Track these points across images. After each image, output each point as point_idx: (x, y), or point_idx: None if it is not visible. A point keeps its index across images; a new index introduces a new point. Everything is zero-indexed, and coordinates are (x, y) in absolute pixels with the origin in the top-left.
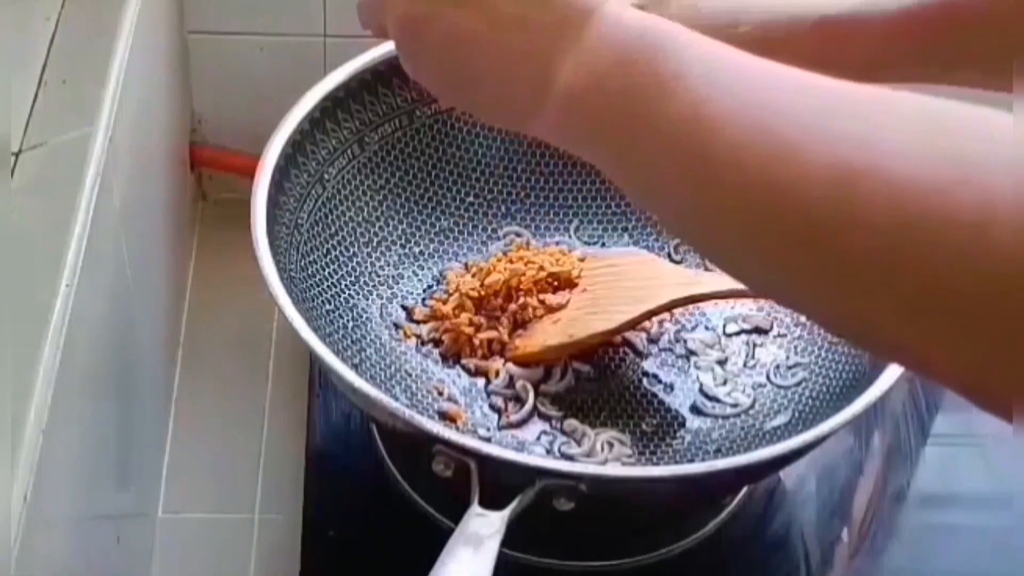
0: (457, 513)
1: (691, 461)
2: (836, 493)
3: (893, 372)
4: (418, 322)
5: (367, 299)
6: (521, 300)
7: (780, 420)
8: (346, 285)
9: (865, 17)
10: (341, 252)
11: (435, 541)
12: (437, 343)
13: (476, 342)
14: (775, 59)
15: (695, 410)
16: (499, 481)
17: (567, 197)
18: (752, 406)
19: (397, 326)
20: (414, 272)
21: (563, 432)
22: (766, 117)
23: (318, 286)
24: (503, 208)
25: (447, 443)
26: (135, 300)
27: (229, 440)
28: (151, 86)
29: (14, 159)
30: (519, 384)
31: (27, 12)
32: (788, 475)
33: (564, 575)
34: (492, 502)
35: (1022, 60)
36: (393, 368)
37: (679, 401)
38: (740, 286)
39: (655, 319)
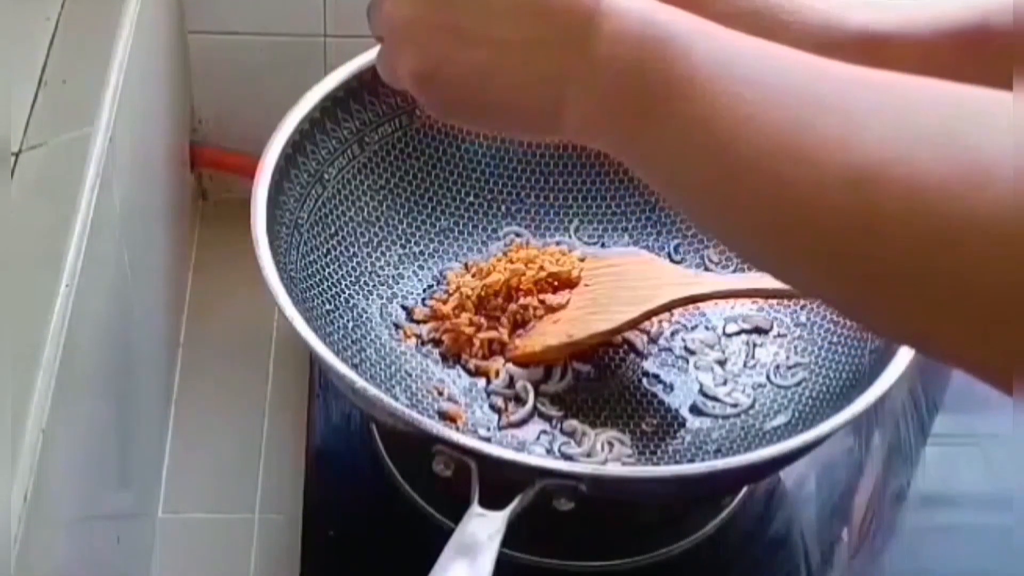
0: (457, 513)
1: (691, 461)
2: (836, 493)
3: (893, 372)
4: (418, 322)
5: (367, 299)
6: (521, 300)
7: (780, 420)
8: (346, 285)
9: (902, 36)
10: (341, 252)
11: (435, 541)
12: (437, 343)
13: (476, 342)
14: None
15: (695, 410)
16: (499, 481)
17: (567, 197)
18: (752, 406)
19: (397, 326)
20: (414, 272)
21: (563, 432)
22: (780, 118)
23: (318, 286)
24: (503, 208)
25: (447, 443)
26: (135, 300)
27: (229, 440)
28: (151, 86)
29: (14, 159)
30: (519, 384)
31: (27, 12)
32: (788, 475)
33: (564, 575)
34: (492, 502)
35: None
36: (393, 368)
37: (679, 401)
38: (740, 286)
39: (655, 319)
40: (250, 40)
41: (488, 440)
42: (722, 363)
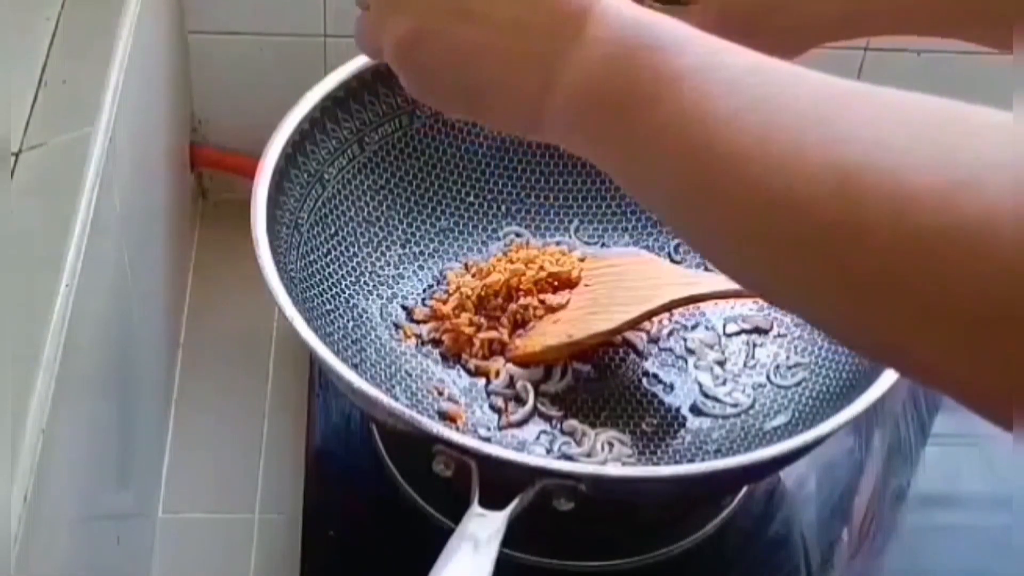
0: (457, 513)
1: (691, 461)
2: (836, 493)
3: (893, 372)
4: (418, 322)
5: (367, 299)
6: (521, 300)
7: (780, 420)
8: (346, 285)
9: None
10: (341, 252)
11: (435, 541)
12: (437, 343)
13: (476, 342)
14: None
15: (695, 410)
16: (499, 481)
17: (567, 197)
18: (752, 406)
19: (397, 326)
20: (414, 272)
21: (563, 432)
22: (765, 123)
23: (318, 286)
24: (503, 208)
25: (447, 443)
26: (135, 300)
27: (229, 440)
28: (151, 86)
29: (14, 159)
30: (519, 384)
31: (27, 12)
32: (788, 475)
33: (564, 575)
34: (492, 502)
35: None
36: (393, 368)
37: (679, 401)
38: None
39: (655, 319)
40: (250, 40)
41: (488, 440)
42: (722, 363)
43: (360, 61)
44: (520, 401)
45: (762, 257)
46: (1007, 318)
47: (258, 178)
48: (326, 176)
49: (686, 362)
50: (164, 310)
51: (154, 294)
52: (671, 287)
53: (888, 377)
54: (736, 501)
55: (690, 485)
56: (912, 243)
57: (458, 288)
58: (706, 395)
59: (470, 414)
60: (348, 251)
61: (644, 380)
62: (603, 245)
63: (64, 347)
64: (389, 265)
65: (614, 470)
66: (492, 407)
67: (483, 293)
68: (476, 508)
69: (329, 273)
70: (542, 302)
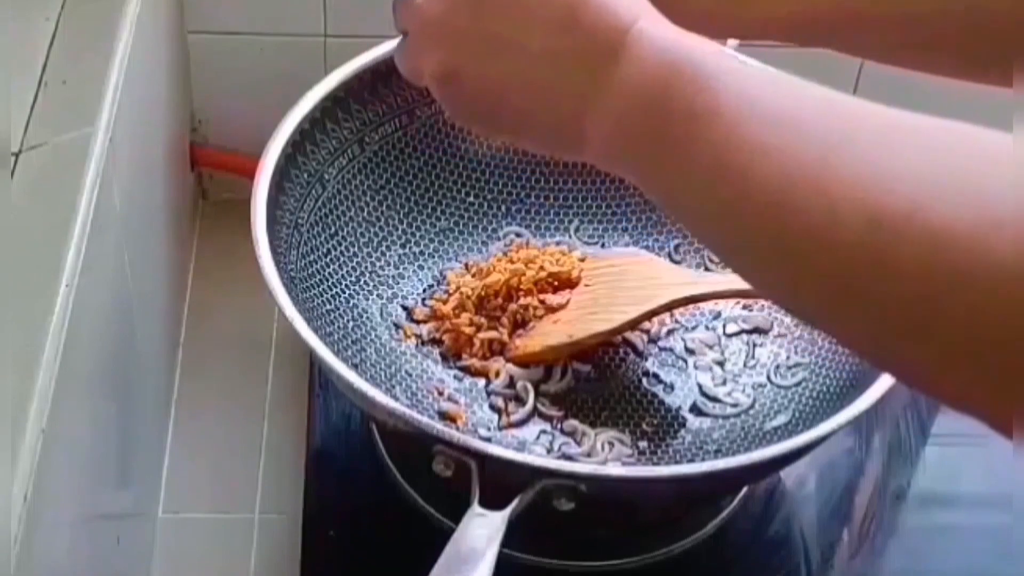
0: (457, 513)
1: (691, 461)
2: (836, 493)
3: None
4: (418, 322)
5: (367, 299)
6: (521, 300)
7: (780, 420)
8: (346, 285)
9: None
10: (341, 252)
11: (435, 541)
12: (437, 343)
13: (476, 342)
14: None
15: (695, 410)
16: (499, 481)
17: (567, 197)
18: (752, 406)
19: (397, 326)
20: (414, 272)
21: (563, 432)
22: (799, 151)
23: (318, 286)
24: (503, 208)
25: (447, 443)
26: (135, 300)
27: (229, 440)
28: (151, 86)
29: (14, 159)
30: (519, 384)
31: (27, 12)
32: (788, 475)
33: (564, 575)
34: (492, 502)
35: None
36: (393, 368)
37: (679, 401)
38: (740, 286)
39: (655, 319)
40: (250, 40)
41: (488, 440)
42: (722, 363)
43: (360, 61)
44: (520, 401)
45: (789, 282)
46: None
47: (258, 178)
48: (326, 176)
49: (686, 362)
50: (164, 310)
51: (154, 294)
52: (671, 287)
53: (888, 377)
54: (736, 501)
55: (690, 485)
56: (941, 276)
57: (458, 288)
58: (706, 395)
59: (470, 414)
60: (348, 251)
61: (644, 380)
62: (603, 245)
63: (64, 347)
64: (389, 265)
65: (614, 470)
66: (492, 407)
67: (483, 293)
68: (476, 508)
69: (329, 273)
70: (542, 302)
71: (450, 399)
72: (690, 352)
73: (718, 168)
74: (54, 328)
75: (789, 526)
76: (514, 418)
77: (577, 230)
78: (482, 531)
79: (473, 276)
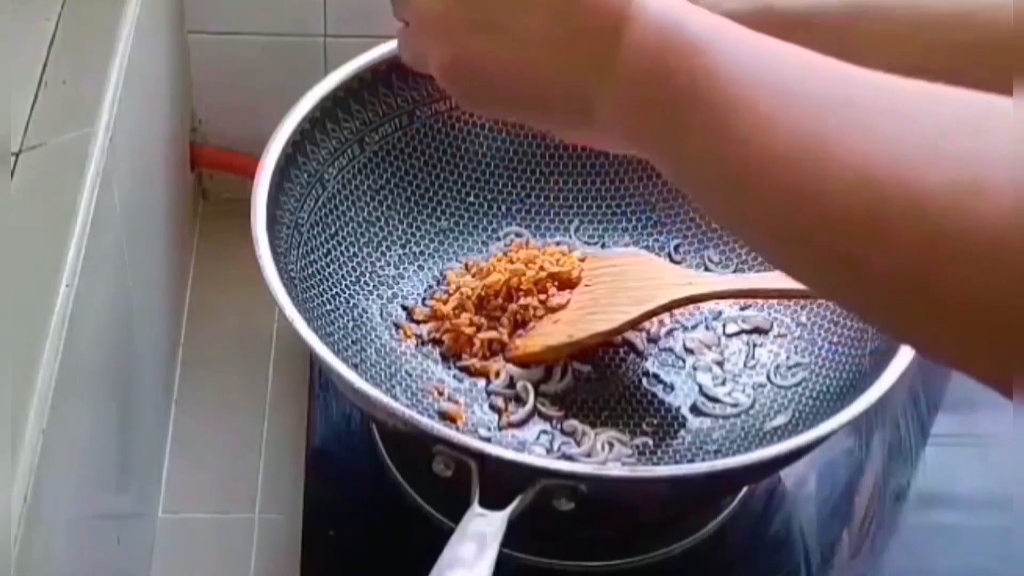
0: (457, 513)
1: (691, 461)
2: (836, 493)
3: (893, 372)
4: (418, 322)
5: (367, 299)
6: (521, 300)
7: (780, 420)
8: (346, 285)
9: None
10: (341, 252)
11: (435, 541)
12: (437, 343)
13: (476, 342)
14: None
15: (695, 410)
16: (499, 481)
17: (567, 197)
18: (752, 406)
19: (397, 326)
20: (414, 272)
21: (563, 432)
22: (797, 119)
23: (318, 286)
24: (503, 208)
25: (447, 443)
26: (135, 300)
27: (229, 440)
28: (151, 86)
29: (14, 159)
30: (519, 384)
31: (27, 12)
32: (788, 475)
33: (564, 575)
34: (492, 502)
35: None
36: (393, 368)
37: (679, 401)
38: (740, 286)
39: (655, 319)
40: (250, 40)
41: (488, 440)
42: (722, 363)
43: (360, 61)
44: (520, 401)
45: (800, 251)
46: (1015, 317)
47: (258, 178)
48: (326, 176)
49: (686, 362)
50: (164, 310)
51: (154, 294)
52: (671, 287)
53: (888, 377)
54: (736, 501)
55: (690, 485)
56: (929, 238)
57: (458, 288)
58: (706, 395)
59: (470, 414)
60: (348, 251)
61: (644, 380)
62: (603, 245)
63: (64, 347)
64: (389, 265)
65: (614, 470)
66: (492, 407)
67: (483, 293)
68: (476, 508)
69: (329, 273)
70: (542, 302)
71: (450, 399)
72: (690, 352)
73: (718, 138)
74: (54, 328)
75: (789, 526)
76: (514, 418)
77: (577, 230)
78: (482, 531)
79: (473, 276)
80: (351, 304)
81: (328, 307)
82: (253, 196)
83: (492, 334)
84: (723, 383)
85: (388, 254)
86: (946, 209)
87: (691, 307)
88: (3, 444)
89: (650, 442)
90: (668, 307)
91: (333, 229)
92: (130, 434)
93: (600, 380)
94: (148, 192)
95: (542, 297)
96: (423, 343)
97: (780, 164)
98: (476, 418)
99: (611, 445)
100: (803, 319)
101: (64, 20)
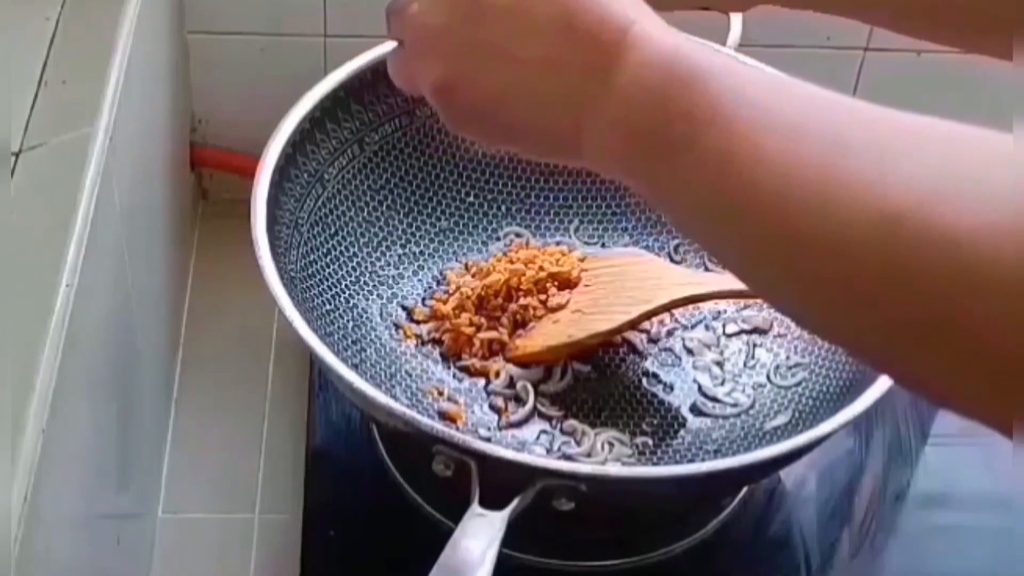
0: (457, 513)
1: (691, 461)
2: (836, 493)
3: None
4: (418, 322)
5: (367, 299)
6: (521, 300)
7: (780, 420)
8: (346, 285)
9: None
10: (341, 252)
11: (435, 541)
12: (437, 343)
13: (476, 342)
14: None
15: (695, 410)
16: (499, 481)
17: (567, 197)
18: (752, 406)
19: (397, 326)
20: (414, 272)
21: (563, 432)
22: (804, 156)
23: (318, 286)
24: (503, 208)
25: (447, 443)
26: (135, 300)
27: (229, 440)
28: (151, 86)
29: (14, 159)
30: (519, 384)
31: (27, 12)
32: (788, 475)
33: (564, 575)
34: (492, 502)
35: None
36: (393, 368)
37: (679, 401)
38: (740, 286)
39: (655, 319)
40: (250, 40)
41: (488, 440)
42: (721, 363)
43: (360, 61)
44: (520, 401)
45: (794, 287)
46: None
47: (258, 178)
48: (326, 176)
49: (686, 362)
50: (164, 310)
51: (154, 294)
52: (671, 287)
53: (888, 378)
54: (736, 501)
55: (690, 485)
56: (951, 280)
57: (458, 288)
58: (706, 395)
59: (470, 414)
60: (348, 251)
61: (644, 380)
62: (603, 245)
63: (64, 347)
64: (389, 265)
65: (614, 470)
66: (492, 407)
67: (483, 293)
68: (476, 508)
69: (329, 273)
70: (542, 302)
71: (450, 399)
72: (690, 352)
73: (719, 174)
74: (54, 328)
75: (789, 526)
76: (514, 418)
77: (577, 230)
78: (482, 531)
79: (473, 276)
80: (351, 304)
81: (328, 307)
82: (253, 196)
83: (492, 334)
84: (723, 383)
85: (388, 254)
86: (963, 248)
87: (691, 307)
88: (3, 444)
89: (650, 442)
90: (668, 307)
91: (333, 229)
92: (130, 434)
93: (600, 380)
94: (148, 192)
95: (542, 297)
96: (423, 343)
97: (793, 207)
98: (476, 418)
99: (611, 445)
100: None
101: (64, 20)
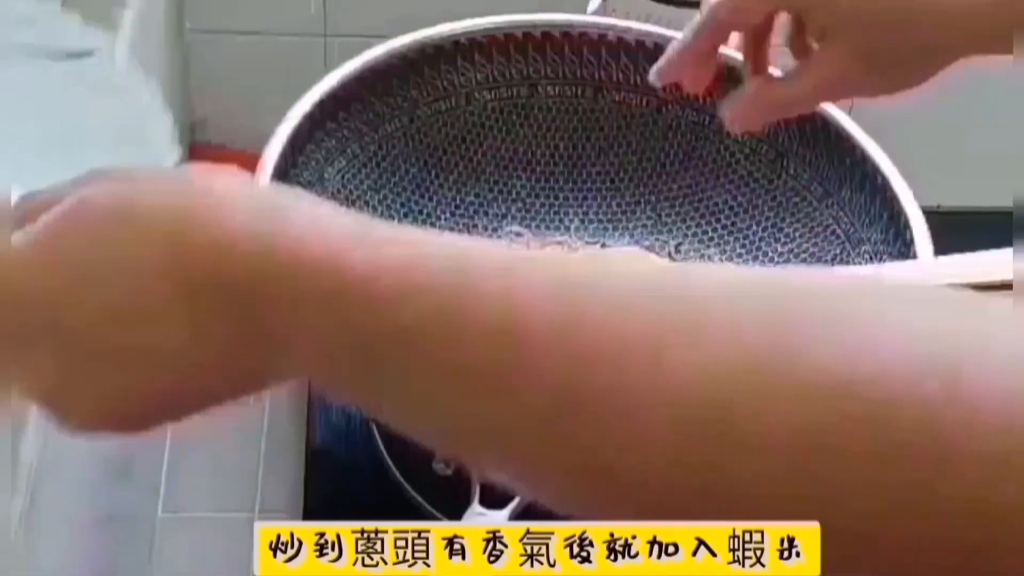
0: (457, 513)
1: None
2: None
3: None
4: None
5: None
6: None
7: None
8: None
9: None
10: None
11: None
12: None
13: None
14: None
15: None
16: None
17: (567, 197)
18: None
19: None
20: None
21: None
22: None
23: None
24: (503, 208)
25: None
26: None
27: (229, 440)
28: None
29: None
30: None
31: None
32: None
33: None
34: (492, 502)
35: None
36: None
37: None
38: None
39: None
40: (250, 40)
41: None
42: None
43: (360, 61)
44: None
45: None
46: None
47: (258, 178)
48: (326, 176)
49: None
50: None
51: None
52: None
53: None
54: None
55: None
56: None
57: None
58: None
59: None
60: None
61: None
62: (603, 245)
63: None
64: None
65: None
66: None
67: None
68: (476, 508)
69: None
70: None
71: None
72: None
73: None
74: None
75: None
76: None
77: (577, 230)
78: None
79: None
80: None
81: None
82: None
83: None
84: None
85: None
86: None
87: None
88: (3, 446)
89: None
90: None
91: None
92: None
93: None
94: None
95: None
96: None
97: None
98: None
99: None
100: None
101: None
